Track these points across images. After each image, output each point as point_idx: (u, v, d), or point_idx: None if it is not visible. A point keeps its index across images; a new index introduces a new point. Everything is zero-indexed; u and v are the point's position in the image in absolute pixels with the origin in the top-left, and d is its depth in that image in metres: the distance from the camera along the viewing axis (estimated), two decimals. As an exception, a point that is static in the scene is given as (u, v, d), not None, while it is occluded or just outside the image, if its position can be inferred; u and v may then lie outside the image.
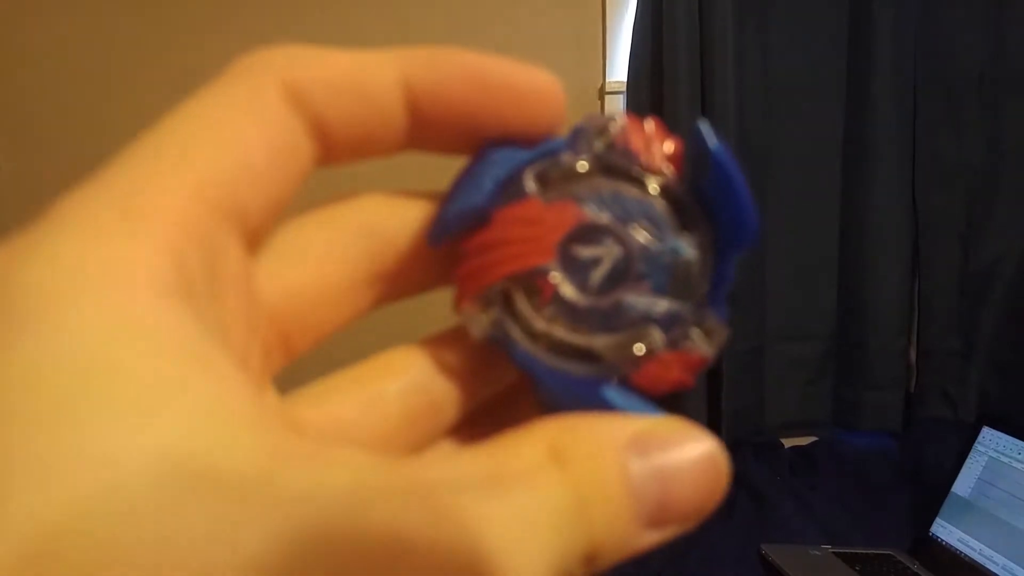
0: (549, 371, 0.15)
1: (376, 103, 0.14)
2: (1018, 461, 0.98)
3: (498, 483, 0.11)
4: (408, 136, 0.15)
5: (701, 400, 1.20)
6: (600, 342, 0.15)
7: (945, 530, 1.02)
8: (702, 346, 0.15)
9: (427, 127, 0.15)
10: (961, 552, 0.98)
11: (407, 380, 0.16)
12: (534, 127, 0.15)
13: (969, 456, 1.04)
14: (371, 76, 0.14)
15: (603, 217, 0.15)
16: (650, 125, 0.15)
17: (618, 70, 1.25)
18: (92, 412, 0.09)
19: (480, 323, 0.15)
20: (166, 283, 0.11)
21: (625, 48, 1.22)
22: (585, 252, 0.15)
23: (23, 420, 0.09)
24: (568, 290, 0.15)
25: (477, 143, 0.15)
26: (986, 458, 1.02)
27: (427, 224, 0.15)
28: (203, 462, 0.10)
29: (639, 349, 0.15)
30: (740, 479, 1.11)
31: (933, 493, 1.06)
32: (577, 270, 0.15)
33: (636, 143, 0.15)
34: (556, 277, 0.15)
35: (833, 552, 0.98)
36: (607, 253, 0.15)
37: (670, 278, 0.15)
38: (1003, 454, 1.01)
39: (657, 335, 0.15)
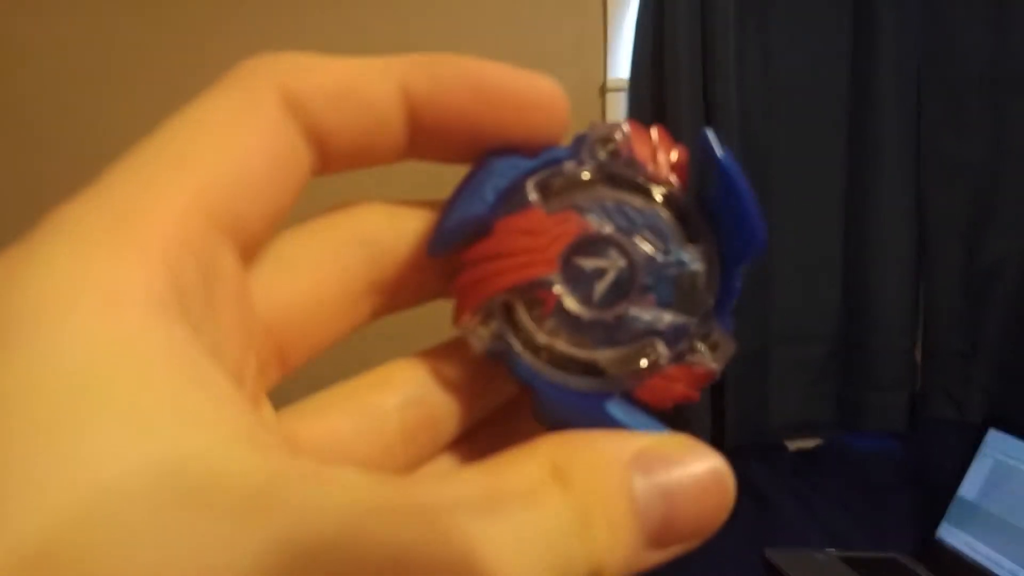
0: (551, 385, 0.15)
1: (375, 111, 0.14)
2: (1024, 463, 0.98)
3: (498, 501, 0.11)
4: (408, 145, 0.15)
5: (704, 402, 1.19)
6: (603, 356, 0.15)
7: (951, 534, 1.01)
8: (708, 360, 0.15)
9: (427, 135, 0.14)
10: (967, 556, 0.98)
11: (405, 394, 0.15)
12: (536, 135, 0.15)
13: (975, 459, 1.03)
14: (370, 84, 0.14)
15: (607, 228, 0.15)
16: (655, 133, 0.15)
17: (620, 67, 1.25)
18: (87, 423, 0.09)
19: (480, 336, 0.15)
20: (160, 298, 0.11)
21: (627, 45, 1.21)
22: (588, 263, 0.15)
23: (20, 430, 0.09)
24: (571, 302, 0.15)
25: (478, 151, 0.15)
26: (992, 461, 1.02)
27: (427, 234, 0.15)
28: (199, 473, 0.10)
29: (643, 363, 0.14)
30: (742, 481, 1.11)
31: (937, 495, 1.05)
32: (580, 282, 0.15)
33: (641, 152, 0.15)
34: (558, 289, 0.15)
35: (838, 556, 0.98)
36: (611, 265, 0.15)
37: (675, 290, 0.15)
38: (1010, 456, 1.00)
39: (662, 349, 0.15)
